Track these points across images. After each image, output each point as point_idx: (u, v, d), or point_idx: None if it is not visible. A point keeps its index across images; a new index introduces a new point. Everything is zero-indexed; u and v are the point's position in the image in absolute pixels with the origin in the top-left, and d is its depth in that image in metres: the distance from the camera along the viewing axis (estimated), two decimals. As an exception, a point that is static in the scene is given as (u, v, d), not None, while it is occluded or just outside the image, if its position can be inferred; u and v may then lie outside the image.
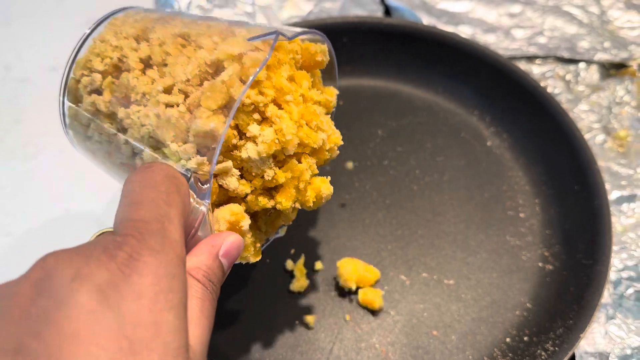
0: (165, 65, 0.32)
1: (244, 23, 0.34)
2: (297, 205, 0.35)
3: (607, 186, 0.51)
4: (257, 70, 0.29)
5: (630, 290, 0.47)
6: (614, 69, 0.61)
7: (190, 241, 0.30)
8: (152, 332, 0.22)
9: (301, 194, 0.34)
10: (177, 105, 0.30)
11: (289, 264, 0.47)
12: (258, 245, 0.36)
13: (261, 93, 0.32)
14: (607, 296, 0.46)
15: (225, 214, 0.31)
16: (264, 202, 0.33)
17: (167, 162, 0.30)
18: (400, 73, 0.57)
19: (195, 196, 0.30)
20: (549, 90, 0.58)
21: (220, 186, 0.32)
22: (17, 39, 0.65)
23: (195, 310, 0.26)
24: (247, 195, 0.33)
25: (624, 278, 0.47)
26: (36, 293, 0.22)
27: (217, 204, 0.32)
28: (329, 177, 0.36)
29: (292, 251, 0.48)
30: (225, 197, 0.33)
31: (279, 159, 0.33)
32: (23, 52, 0.64)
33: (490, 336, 0.44)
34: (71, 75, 0.35)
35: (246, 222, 0.31)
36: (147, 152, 0.31)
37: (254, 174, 0.32)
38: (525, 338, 0.43)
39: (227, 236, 0.30)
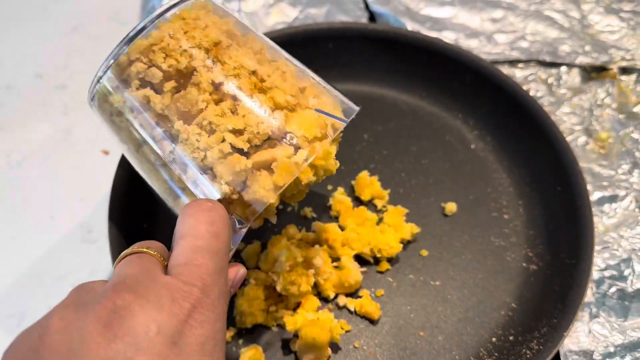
0: (238, 103, 0.32)
1: (308, 74, 0.35)
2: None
3: (589, 187, 0.52)
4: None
5: (613, 289, 0.47)
6: (595, 72, 0.62)
7: None
8: None
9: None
10: (243, 153, 0.31)
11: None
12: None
13: None
14: (590, 295, 0.47)
15: None
16: None
17: (214, 188, 0.32)
18: (385, 78, 0.57)
19: None
20: (532, 93, 0.59)
21: None
22: (1, 46, 0.65)
23: None
24: None
25: (607, 277, 0.48)
26: (112, 336, 0.24)
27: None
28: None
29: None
30: None
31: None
32: (7, 59, 0.64)
33: (477, 336, 0.44)
34: (126, 51, 0.33)
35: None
36: (202, 178, 0.32)
37: None
38: (511, 337, 0.44)
39: (239, 270, 0.32)
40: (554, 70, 0.62)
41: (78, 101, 0.61)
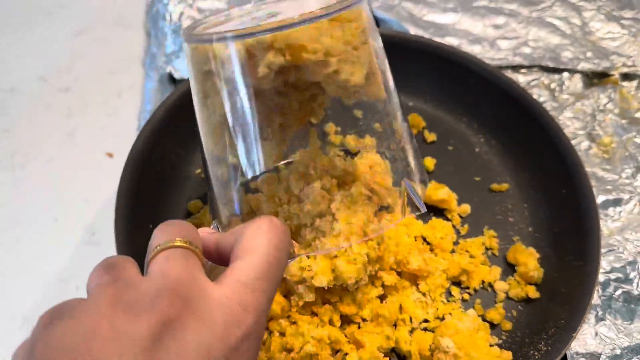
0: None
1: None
2: None
3: (593, 191, 0.52)
4: None
5: (619, 292, 0.47)
6: (597, 78, 0.62)
7: None
8: None
9: None
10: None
11: None
12: None
13: None
14: (596, 298, 0.47)
15: None
16: None
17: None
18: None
19: None
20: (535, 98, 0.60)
21: None
22: (6, 49, 0.65)
23: None
24: None
25: (612, 280, 0.48)
26: (164, 354, 0.22)
27: None
28: None
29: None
30: None
31: None
32: (12, 62, 0.64)
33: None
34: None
35: None
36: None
37: None
38: (518, 339, 0.43)
39: None
40: (556, 76, 0.62)
41: (82, 104, 0.61)
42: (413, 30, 0.64)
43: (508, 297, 0.46)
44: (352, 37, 0.31)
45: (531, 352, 0.41)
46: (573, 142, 0.56)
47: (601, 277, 0.48)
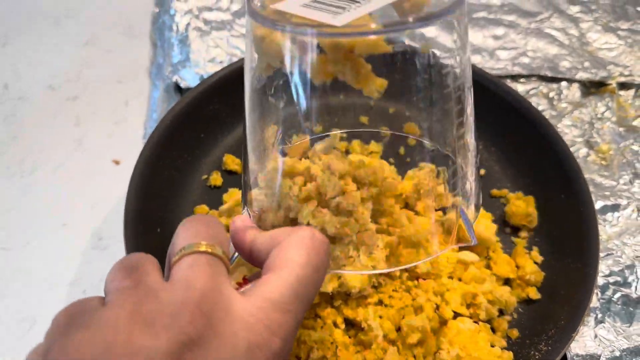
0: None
1: None
2: None
3: (592, 196, 0.53)
4: None
5: (617, 295, 0.48)
6: (594, 87, 0.64)
7: None
8: None
9: None
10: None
11: None
12: None
13: None
14: (595, 301, 0.48)
15: None
16: None
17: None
18: (388, 90, 0.58)
19: None
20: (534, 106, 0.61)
21: None
22: (15, 58, 0.66)
23: None
24: None
25: (611, 283, 0.49)
26: None
27: None
28: None
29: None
30: None
31: None
32: (21, 71, 0.65)
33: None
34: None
35: None
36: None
37: None
38: (519, 340, 0.44)
39: None
40: (554, 85, 0.63)
41: (90, 112, 0.62)
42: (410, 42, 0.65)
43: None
44: None
45: (532, 352, 0.42)
46: (571, 149, 0.57)
47: (600, 281, 0.49)
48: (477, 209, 0.35)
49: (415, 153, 0.56)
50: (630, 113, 0.62)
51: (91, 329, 0.21)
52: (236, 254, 0.30)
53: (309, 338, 0.40)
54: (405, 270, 0.45)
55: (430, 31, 0.31)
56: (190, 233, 0.26)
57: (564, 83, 0.64)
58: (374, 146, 0.55)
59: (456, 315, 0.44)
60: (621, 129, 0.60)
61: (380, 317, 0.42)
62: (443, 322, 0.43)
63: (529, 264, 0.47)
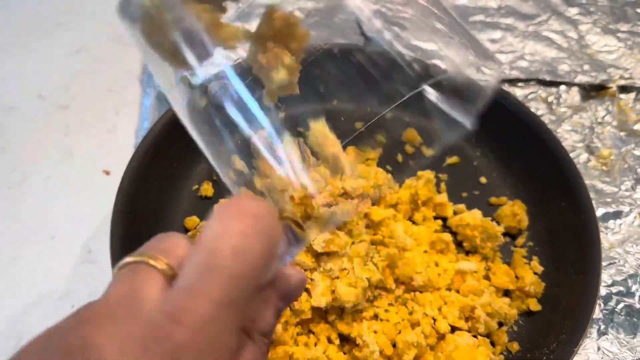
0: None
1: None
2: None
3: (593, 203, 0.52)
4: None
5: (621, 305, 0.47)
6: (594, 91, 0.62)
7: None
8: None
9: None
10: None
11: None
12: None
13: None
14: (598, 312, 0.46)
15: None
16: None
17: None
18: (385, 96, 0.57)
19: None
20: (532, 111, 0.60)
21: None
22: (4, 67, 0.65)
23: None
24: None
25: (614, 293, 0.47)
26: None
27: None
28: None
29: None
30: None
31: None
32: (10, 81, 0.64)
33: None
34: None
35: None
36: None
37: None
38: (519, 354, 0.43)
39: (290, 278, 0.26)
40: (553, 89, 0.62)
41: (79, 122, 0.61)
42: (406, 49, 0.64)
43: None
44: None
45: (533, 367, 0.41)
46: (571, 154, 0.56)
47: (603, 291, 0.47)
48: (492, 61, 0.27)
49: (415, 160, 0.55)
50: (631, 117, 0.60)
51: None
52: None
53: (303, 356, 0.39)
54: (402, 283, 0.43)
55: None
56: (141, 249, 0.24)
57: (563, 87, 0.62)
58: (370, 153, 0.54)
59: (454, 329, 0.42)
60: (622, 134, 0.59)
61: (375, 332, 0.40)
62: (440, 337, 0.42)
63: (529, 274, 0.46)
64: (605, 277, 0.48)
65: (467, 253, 0.48)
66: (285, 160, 0.25)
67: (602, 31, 0.67)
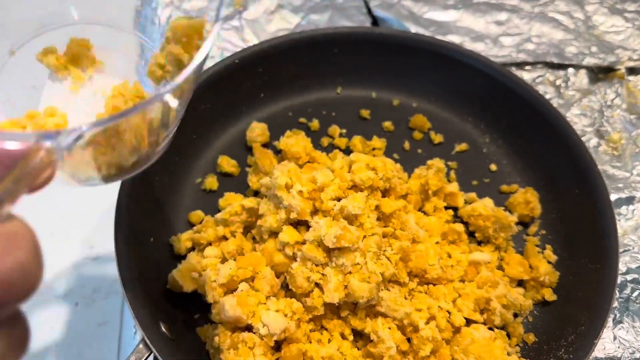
0: None
1: None
2: None
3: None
4: None
5: (636, 293, 0.46)
6: (603, 73, 0.61)
7: None
8: None
9: None
10: None
11: None
12: None
13: None
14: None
15: None
16: None
17: None
18: (393, 82, 0.56)
19: None
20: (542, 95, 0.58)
21: None
22: (-5, 58, 0.63)
23: None
24: None
25: (629, 281, 0.47)
26: None
27: None
28: None
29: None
30: None
31: None
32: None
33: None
34: None
35: None
36: None
37: None
38: (536, 346, 0.42)
39: None
40: (561, 72, 0.61)
41: (76, 113, 0.59)
42: (414, 29, 0.62)
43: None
44: None
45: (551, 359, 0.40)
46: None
47: (617, 279, 0.46)
48: None
49: (423, 148, 0.53)
50: (640, 99, 0.59)
51: None
52: None
53: (317, 354, 0.38)
54: (415, 275, 0.42)
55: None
56: None
57: (570, 69, 0.61)
58: (377, 142, 0.52)
59: (469, 322, 0.41)
60: (632, 117, 0.58)
61: (390, 327, 0.39)
62: (456, 330, 0.41)
63: (543, 263, 0.45)
64: (620, 264, 0.47)
65: (479, 243, 0.47)
66: None
67: (609, 11, 0.65)
